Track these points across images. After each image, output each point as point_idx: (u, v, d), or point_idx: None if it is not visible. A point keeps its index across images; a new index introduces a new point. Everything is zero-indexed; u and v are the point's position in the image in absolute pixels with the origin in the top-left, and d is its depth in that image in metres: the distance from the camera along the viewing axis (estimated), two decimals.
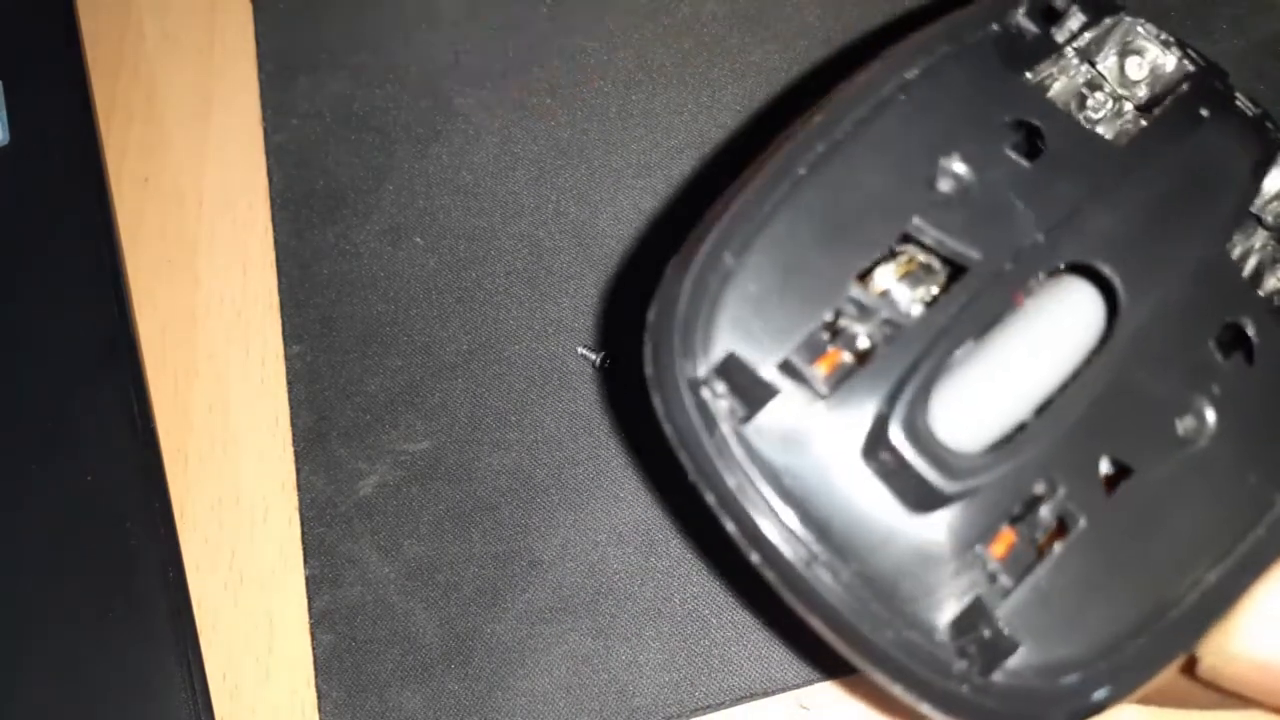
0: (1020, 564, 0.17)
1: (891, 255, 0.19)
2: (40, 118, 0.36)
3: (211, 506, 0.32)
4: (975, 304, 0.18)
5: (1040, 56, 0.21)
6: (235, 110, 0.37)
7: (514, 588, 0.30)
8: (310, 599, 0.30)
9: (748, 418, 0.17)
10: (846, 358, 0.18)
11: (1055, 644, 0.17)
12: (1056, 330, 0.18)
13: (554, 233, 0.34)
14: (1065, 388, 0.18)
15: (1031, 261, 0.18)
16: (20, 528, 0.30)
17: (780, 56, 0.36)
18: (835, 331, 0.18)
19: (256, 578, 0.31)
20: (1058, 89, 0.23)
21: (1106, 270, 0.18)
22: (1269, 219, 0.23)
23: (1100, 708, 0.17)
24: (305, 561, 0.31)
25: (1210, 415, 0.18)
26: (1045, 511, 0.18)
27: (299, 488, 0.31)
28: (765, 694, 0.28)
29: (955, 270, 0.19)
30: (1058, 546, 0.17)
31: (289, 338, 0.33)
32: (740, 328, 0.18)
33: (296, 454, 0.32)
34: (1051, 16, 0.22)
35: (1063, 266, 0.19)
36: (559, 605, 0.29)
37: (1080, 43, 0.22)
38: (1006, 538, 0.18)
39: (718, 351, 0.18)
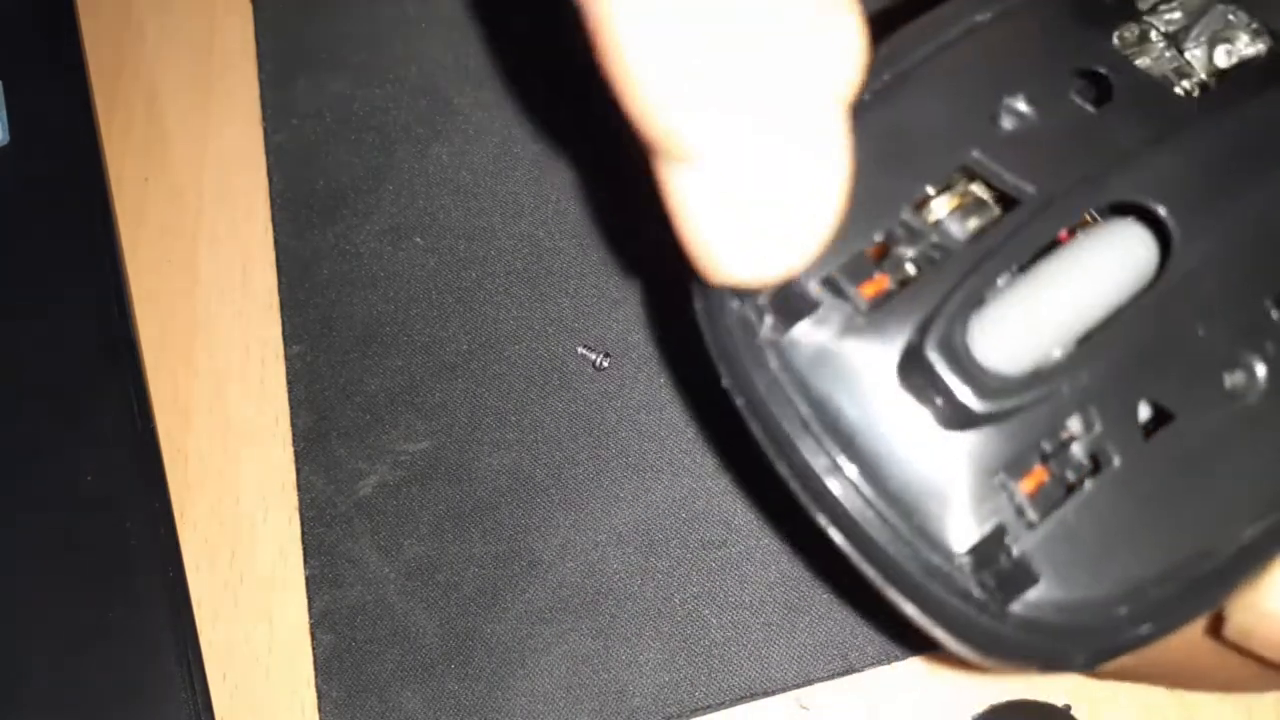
0: (1049, 500, 0.17)
1: (947, 188, 0.19)
2: (40, 118, 0.36)
3: (211, 506, 0.32)
4: (1022, 233, 0.17)
5: (1119, 19, 0.21)
6: (235, 110, 0.37)
7: (514, 588, 0.30)
8: (310, 599, 0.30)
9: (786, 328, 0.17)
10: (891, 284, 0.18)
11: (1078, 582, 0.17)
12: (1102, 263, 0.18)
13: (554, 233, 0.34)
14: (1109, 324, 0.18)
15: (1084, 196, 0.18)
16: (20, 527, 0.30)
17: None
18: (882, 259, 0.18)
19: (256, 578, 0.31)
20: (1149, 65, 0.22)
21: (1160, 210, 0.18)
22: None
23: (1120, 650, 0.17)
24: (305, 561, 0.31)
25: (1261, 372, 0.18)
26: (1078, 449, 0.17)
27: (299, 488, 0.31)
28: (765, 694, 0.28)
29: (1008, 206, 0.18)
30: (1089, 484, 0.17)
31: (289, 338, 0.33)
32: None
33: (296, 454, 0.32)
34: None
35: (1115, 204, 0.18)
36: (559, 605, 0.29)
37: (1170, 26, 0.22)
38: (1038, 474, 0.17)
39: None
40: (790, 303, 0.17)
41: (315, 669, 0.29)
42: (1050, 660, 0.17)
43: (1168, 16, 0.22)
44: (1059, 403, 0.17)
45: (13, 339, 0.33)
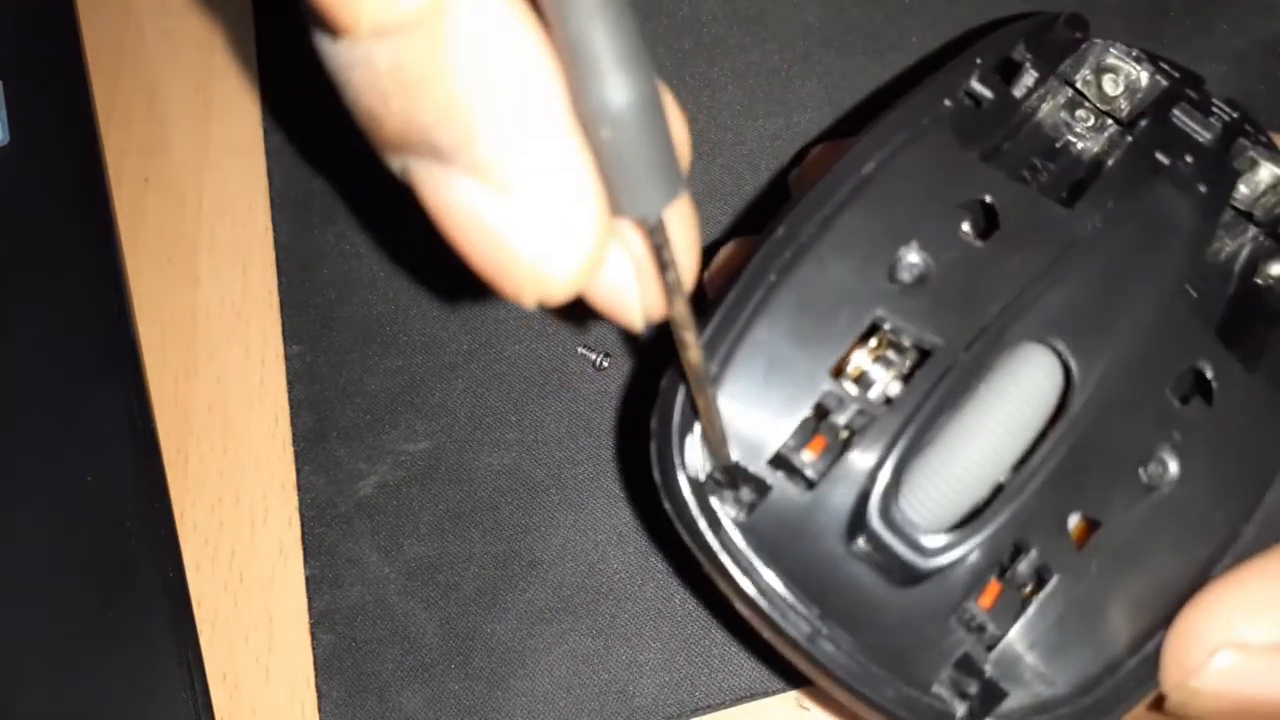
0: (1008, 614, 0.19)
1: (865, 341, 0.20)
2: (40, 118, 0.36)
3: (212, 507, 0.32)
4: (937, 389, 0.19)
5: (1003, 114, 0.22)
6: (235, 110, 0.37)
7: (514, 588, 0.30)
8: (310, 599, 0.30)
9: (748, 514, 0.19)
10: (831, 444, 0.19)
11: (1040, 686, 0.18)
12: (1011, 406, 0.19)
13: None
14: (1027, 456, 0.19)
15: (987, 344, 0.19)
16: (20, 528, 0.30)
17: (780, 56, 0.36)
18: (823, 416, 0.19)
19: (257, 578, 0.31)
20: (1046, 110, 0.24)
21: (1056, 345, 0.19)
22: (1259, 214, 0.23)
23: None
24: (305, 561, 0.31)
25: (1173, 461, 0.19)
26: (1024, 567, 0.19)
27: (299, 488, 0.31)
28: (765, 694, 0.28)
29: (923, 351, 0.20)
30: (1035, 600, 0.19)
31: (289, 338, 0.33)
32: (732, 429, 0.19)
33: (296, 454, 0.32)
34: (1009, 72, 0.23)
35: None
36: (559, 605, 0.29)
37: (1061, 68, 0.24)
38: (993, 589, 0.19)
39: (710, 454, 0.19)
40: (747, 489, 0.19)
41: (315, 669, 0.29)
42: None
43: (1060, 68, 0.24)
44: (994, 542, 0.18)
45: (12, 339, 0.33)
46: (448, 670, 0.29)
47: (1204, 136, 0.23)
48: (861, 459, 0.19)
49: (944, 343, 0.19)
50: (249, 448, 0.32)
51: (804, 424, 0.19)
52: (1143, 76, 0.24)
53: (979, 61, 0.22)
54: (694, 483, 0.19)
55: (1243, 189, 0.23)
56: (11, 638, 0.29)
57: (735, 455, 0.19)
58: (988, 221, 0.21)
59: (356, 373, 0.33)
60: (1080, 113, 0.24)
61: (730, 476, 0.19)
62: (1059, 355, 0.19)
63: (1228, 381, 0.20)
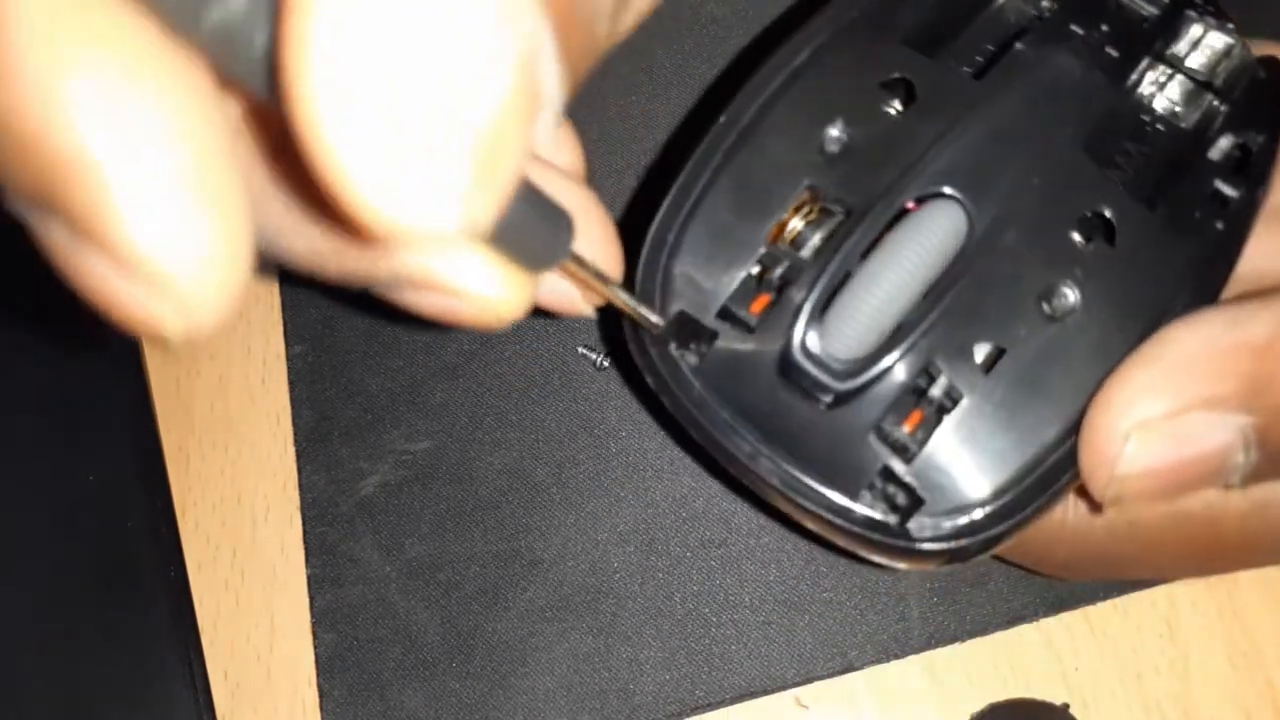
0: (925, 432, 0.21)
1: (800, 208, 0.23)
2: None
3: (213, 506, 0.32)
4: (851, 238, 0.22)
5: (914, 15, 0.24)
6: None
7: (515, 587, 0.30)
8: (312, 598, 0.30)
9: (701, 358, 0.22)
10: (771, 298, 0.22)
11: (952, 497, 0.21)
12: (910, 250, 0.21)
13: None
14: (934, 288, 0.21)
15: (894, 198, 0.22)
16: (22, 527, 0.31)
17: None
18: (764, 275, 0.22)
19: (258, 577, 0.31)
20: None
21: (952, 192, 0.22)
22: (1217, 82, 0.25)
23: (993, 542, 0.21)
24: (307, 560, 0.31)
25: (1073, 294, 0.21)
26: (936, 392, 0.21)
27: (300, 487, 0.31)
28: (764, 692, 0.29)
29: (849, 212, 0.22)
30: (946, 419, 0.21)
31: (291, 337, 0.33)
32: (686, 288, 0.22)
33: (298, 453, 0.32)
34: None
35: (921, 196, 0.22)
36: (560, 604, 0.30)
37: None
38: (915, 416, 0.21)
39: (671, 310, 0.22)
40: (699, 337, 0.22)
41: (317, 668, 0.29)
42: (947, 557, 0.21)
43: None
44: (909, 363, 0.21)
45: (13, 339, 0.33)
46: (449, 669, 0.29)
47: (1149, 11, 0.24)
48: (790, 302, 0.22)
49: (858, 202, 0.22)
50: (250, 447, 0.33)
51: (746, 282, 0.22)
52: None
53: None
54: (656, 340, 0.22)
55: (1199, 59, 0.25)
56: (13, 636, 0.29)
57: (695, 309, 0.22)
58: (909, 97, 0.23)
59: (358, 372, 0.33)
60: None
61: (685, 329, 0.22)
62: (958, 202, 0.22)
63: (1128, 222, 0.22)
